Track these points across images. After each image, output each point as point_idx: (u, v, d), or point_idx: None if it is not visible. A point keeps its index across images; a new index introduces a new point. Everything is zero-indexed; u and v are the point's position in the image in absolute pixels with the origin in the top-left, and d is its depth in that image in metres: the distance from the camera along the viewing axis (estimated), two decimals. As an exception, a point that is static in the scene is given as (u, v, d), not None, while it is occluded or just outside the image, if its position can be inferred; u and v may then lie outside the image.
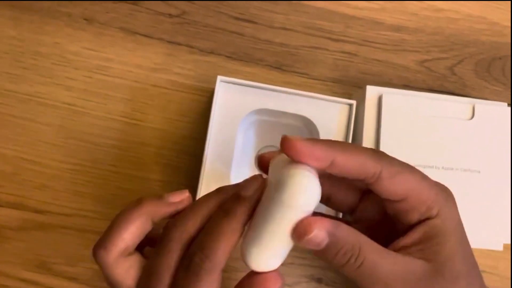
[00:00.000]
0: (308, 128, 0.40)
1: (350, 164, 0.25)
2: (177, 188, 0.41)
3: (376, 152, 0.26)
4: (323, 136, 0.39)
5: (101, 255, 0.27)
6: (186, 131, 0.42)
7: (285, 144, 0.24)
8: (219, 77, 0.38)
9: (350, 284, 0.41)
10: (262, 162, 0.27)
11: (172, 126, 0.42)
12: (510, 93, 0.46)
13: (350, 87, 0.44)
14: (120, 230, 0.27)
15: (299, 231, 0.24)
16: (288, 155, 0.24)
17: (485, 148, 0.39)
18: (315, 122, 0.39)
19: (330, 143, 0.25)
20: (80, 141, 0.41)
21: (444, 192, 0.27)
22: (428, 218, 0.26)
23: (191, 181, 0.41)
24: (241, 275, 0.40)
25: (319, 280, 0.41)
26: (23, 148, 0.41)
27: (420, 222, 0.26)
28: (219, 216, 0.26)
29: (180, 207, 0.28)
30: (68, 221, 0.40)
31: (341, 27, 0.45)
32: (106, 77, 0.42)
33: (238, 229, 0.25)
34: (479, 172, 0.39)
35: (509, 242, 0.39)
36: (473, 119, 0.39)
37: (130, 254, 0.28)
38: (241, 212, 0.25)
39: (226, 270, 0.41)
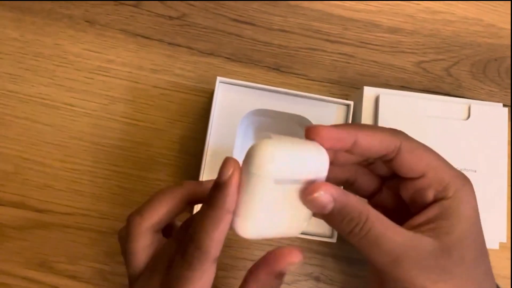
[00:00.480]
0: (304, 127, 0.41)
1: (371, 142, 0.27)
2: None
3: (393, 130, 0.28)
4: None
5: (136, 221, 0.28)
6: (186, 131, 0.43)
7: (310, 132, 0.26)
8: (219, 78, 0.38)
9: (347, 282, 0.42)
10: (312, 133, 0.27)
11: (172, 126, 0.43)
12: (505, 94, 0.46)
13: (348, 88, 0.45)
14: (159, 203, 0.28)
15: (306, 192, 0.25)
16: (317, 141, 0.26)
17: (481, 148, 0.40)
18: (313, 122, 0.40)
19: (351, 125, 0.27)
20: (81, 141, 0.42)
21: (463, 177, 0.28)
22: (443, 198, 0.27)
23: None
24: (241, 273, 0.41)
25: (317, 278, 0.42)
26: (24, 148, 0.41)
27: (435, 201, 0.27)
28: (203, 207, 0.26)
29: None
30: (69, 220, 0.41)
31: (339, 29, 0.46)
32: (107, 78, 0.43)
33: (222, 216, 0.25)
34: (475, 171, 0.40)
35: (505, 241, 0.40)
36: (469, 119, 0.40)
37: (156, 232, 0.29)
38: (221, 199, 0.25)
39: (225, 268, 0.41)
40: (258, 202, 0.25)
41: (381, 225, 0.26)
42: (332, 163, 0.27)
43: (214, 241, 0.25)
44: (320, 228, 0.39)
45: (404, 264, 0.25)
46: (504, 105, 0.42)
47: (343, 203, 0.25)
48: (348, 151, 0.27)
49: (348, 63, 0.45)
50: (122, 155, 0.42)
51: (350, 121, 0.39)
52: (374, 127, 0.28)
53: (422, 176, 0.27)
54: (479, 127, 0.40)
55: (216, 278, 0.29)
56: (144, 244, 0.28)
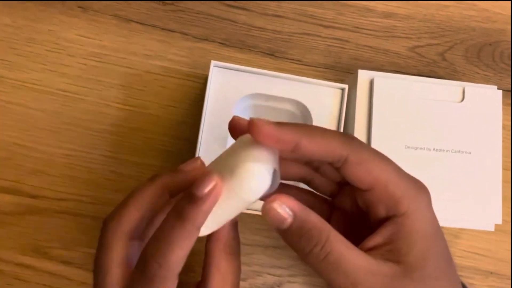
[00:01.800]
0: (302, 112, 0.41)
1: (315, 147, 0.25)
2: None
3: (346, 137, 0.26)
4: (316, 120, 0.39)
5: (112, 226, 0.26)
6: (180, 117, 0.42)
7: (251, 127, 0.24)
8: (213, 62, 0.38)
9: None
10: (234, 127, 0.27)
11: (166, 112, 0.42)
12: (499, 78, 0.46)
13: (342, 73, 0.45)
14: (135, 203, 0.27)
15: (264, 204, 0.24)
16: (254, 137, 0.24)
17: (475, 130, 0.40)
18: (308, 106, 0.40)
19: (297, 126, 0.25)
20: (74, 126, 0.41)
21: (417, 187, 0.26)
22: (395, 215, 0.25)
23: (185, 166, 0.41)
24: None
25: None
26: (17, 134, 0.41)
27: (388, 218, 0.26)
28: (171, 219, 0.24)
29: (193, 175, 0.28)
30: (63, 205, 0.40)
31: (333, 14, 0.45)
32: (100, 63, 0.43)
33: (193, 233, 0.24)
34: (470, 153, 0.40)
35: (500, 223, 0.40)
36: (463, 101, 0.40)
37: (135, 238, 0.27)
38: (194, 215, 0.23)
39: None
40: (228, 216, 0.25)
41: (342, 247, 0.24)
42: (283, 158, 0.26)
43: (179, 258, 0.24)
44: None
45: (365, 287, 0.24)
46: (498, 88, 0.42)
47: (302, 218, 0.24)
48: (291, 152, 0.25)
49: (343, 48, 0.45)
50: (116, 141, 0.42)
51: (344, 105, 0.39)
52: (323, 131, 0.25)
53: (371, 190, 0.26)
54: (473, 109, 0.40)
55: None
56: (120, 256, 0.26)
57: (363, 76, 0.40)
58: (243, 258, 0.40)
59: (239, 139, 0.27)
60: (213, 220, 0.25)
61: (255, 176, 0.23)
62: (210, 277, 0.27)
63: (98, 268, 0.27)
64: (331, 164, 0.26)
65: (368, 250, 0.26)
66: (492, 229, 0.40)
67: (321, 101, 0.40)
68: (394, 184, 0.25)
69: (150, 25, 0.44)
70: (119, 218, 0.27)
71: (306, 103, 0.40)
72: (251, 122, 0.24)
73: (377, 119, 0.39)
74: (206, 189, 0.23)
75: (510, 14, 0.47)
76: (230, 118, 0.38)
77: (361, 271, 0.24)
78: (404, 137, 0.39)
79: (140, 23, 0.44)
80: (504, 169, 0.43)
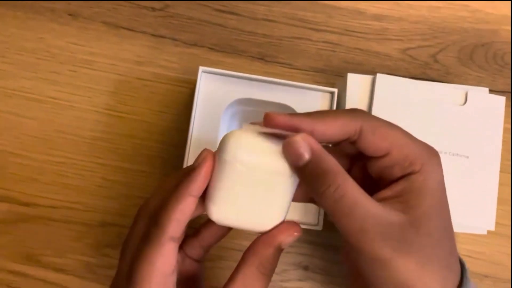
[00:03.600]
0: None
1: (330, 130, 0.27)
2: (162, 179, 0.41)
3: (354, 111, 0.28)
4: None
5: (155, 236, 0.26)
6: (171, 123, 0.42)
7: (266, 120, 0.27)
8: (201, 68, 0.38)
9: (336, 271, 0.42)
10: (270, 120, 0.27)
11: (157, 118, 0.42)
12: (492, 79, 0.46)
13: (333, 76, 0.45)
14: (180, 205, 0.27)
15: (286, 140, 0.25)
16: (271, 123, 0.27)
17: (475, 134, 0.40)
18: (297, 110, 0.40)
19: (309, 115, 0.27)
20: (65, 134, 0.42)
21: (429, 150, 0.28)
22: (410, 173, 0.27)
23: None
24: (226, 263, 0.41)
25: (305, 268, 0.42)
26: (8, 142, 0.41)
27: (402, 177, 0.27)
28: (169, 185, 0.27)
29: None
30: (54, 213, 0.40)
31: (323, 17, 0.45)
32: (91, 70, 0.43)
33: (182, 198, 0.26)
34: (468, 157, 0.39)
35: (493, 229, 0.39)
36: (465, 105, 0.40)
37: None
38: (185, 183, 0.26)
39: (212, 259, 0.41)
40: (228, 188, 0.26)
41: (356, 191, 0.25)
42: None
43: (172, 219, 0.26)
44: (305, 217, 0.39)
45: (370, 234, 0.25)
46: (491, 90, 0.41)
47: (320, 157, 0.25)
48: None
49: (334, 51, 0.45)
50: (106, 148, 0.42)
51: (334, 109, 0.39)
52: (333, 113, 0.28)
53: (387, 155, 0.27)
54: (475, 113, 0.40)
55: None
56: (167, 272, 0.26)
57: (353, 79, 0.40)
58: (234, 264, 0.40)
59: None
60: (222, 195, 0.26)
61: (233, 135, 0.25)
62: (233, 282, 0.27)
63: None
64: (346, 140, 0.27)
65: (380, 201, 0.27)
66: (485, 232, 0.39)
67: (311, 105, 0.40)
68: (408, 147, 0.27)
69: (140, 32, 0.44)
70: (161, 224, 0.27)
71: (295, 107, 0.40)
72: (267, 114, 0.26)
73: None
74: (197, 162, 0.26)
75: (503, 14, 0.47)
76: (219, 124, 0.39)
77: (371, 217, 0.25)
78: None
79: (130, 30, 0.44)
80: (503, 172, 0.42)
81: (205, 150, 0.27)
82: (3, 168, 0.41)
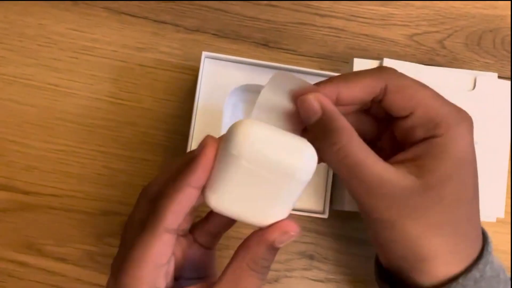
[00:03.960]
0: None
1: (355, 92, 0.26)
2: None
3: (380, 70, 0.27)
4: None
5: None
6: (174, 110, 0.42)
7: (301, 106, 0.26)
8: (204, 53, 0.38)
9: (341, 261, 0.41)
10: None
11: (159, 105, 0.42)
12: (501, 65, 0.45)
13: (338, 62, 0.44)
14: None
15: (301, 97, 0.26)
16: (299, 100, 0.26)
17: (484, 120, 0.39)
18: (302, 96, 0.39)
19: (333, 80, 0.27)
20: (66, 121, 0.41)
21: (460, 115, 0.27)
22: (433, 136, 0.26)
23: (179, 160, 0.41)
24: (232, 253, 0.40)
25: (311, 257, 0.41)
26: (9, 130, 0.40)
27: (425, 139, 0.26)
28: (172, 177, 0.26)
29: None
30: (56, 201, 0.40)
31: (329, 3, 0.44)
32: (92, 57, 0.42)
33: (181, 188, 0.25)
34: (477, 143, 0.39)
35: (503, 216, 0.39)
36: (474, 90, 0.39)
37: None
38: (185, 173, 0.25)
39: (217, 248, 0.40)
40: (230, 180, 0.24)
41: (361, 152, 0.25)
42: None
43: (169, 211, 0.25)
44: (311, 205, 0.38)
45: (377, 196, 0.25)
46: (499, 76, 0.41)
47: (329, 116, 0.25)
48: (336, 104, 0.26)
49: (339, 37, 0.44)
50: (108, 135, 0.41)
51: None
52: (357, 74, 0.27)
53: (411, 114, 0.26)
54: (483, 99, 0.39)
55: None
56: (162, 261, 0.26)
57: (359, 65, 0.39)
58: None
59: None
60: (223, 185, 0.25)
61: (241, 127, 0.24)
62: (223, 277, 0.26)
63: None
64: (373, 100, 0.27)
65: (395, 164, 0.26)
66: (494, 220, 0.39)
67: (316, 91, 0.39)
68: (435, 108, 0.26)
69: (141, 17, 0.43)
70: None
71: (300, 93, 0.39)
72: (301, 100, 0.26)
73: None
74: (200, 147, 0.25)
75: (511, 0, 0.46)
76: (222, 110, 0.38)
77: (377, 179, 0.25)
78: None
79: (132, 16, 0.43)
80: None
81: (207, 137, 0.26)
82: (3, 156, 0.40)
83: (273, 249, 0.26)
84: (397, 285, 0.29)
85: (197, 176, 0.25)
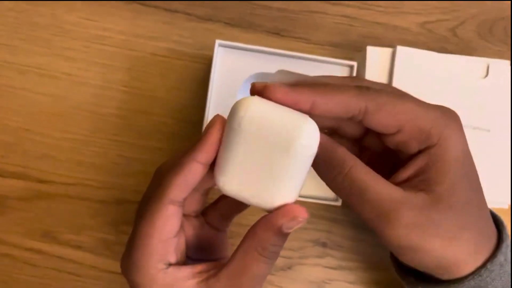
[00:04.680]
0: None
1: (331, 105, 0.25)
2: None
3: (359, 89, 0.25)
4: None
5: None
6: (186, 99, 0.42)
7: (265, 91, 0.25)
8: (218, 41, 0.38)
9: (354, 248, 0.41)
10: (253, 92, 0.26)
11: (172, 94, 0.42)
12: (513, 53, 0.45)
13: (351, 51, 0.44)
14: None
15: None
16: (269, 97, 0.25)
17: (496, 108, 0.39)
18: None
19: (311, 86, 0.25)
20: (80, 110, 0.41)
21: (446, 115, 0.26)
22: (428, 147, 0.25)
23: (193, 148, 0.41)
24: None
25: (324, 244, 0.41)
26: (24, 119, 0.41)
27: (420, 151, 0.26)
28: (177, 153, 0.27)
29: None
30: (70, 190, 0.40)
31: (340, -9, 0.44)
32: (105, 46, 0.42)
33: (187, 163, 0.25)
34: (489, 131, 0.39)
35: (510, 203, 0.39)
36: (487, 78, 0.39)
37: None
38: (192, 148, 0.25)
39: (230, 236, 0.41)
40: (236, 158, 0.24)
41: (366, 177, 0.25)
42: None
43: (173, 183, 0.25)
44: (324, 192, 0.38)
45: (391, 221, 0.24)
46: (512, 63, 0.41)
47: (327, 148, 0.25)
48: (310, 113, 0.25)
49: (351, 25, 0.44)
50: (121, 124, 0.41)
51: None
52: (337, 88, 0.25)
53: (399, 131, 0.25)
54: (496, 86, 0.39)
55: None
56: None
57: (372, 52, 0.39)
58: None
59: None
60: (230, 165, 0.25)
61: (242, 102, 0.24)
62: (231, 262, 0.26)
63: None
64: (352, 119, 0.26)
65: (400, 183, 0.26)
66: (506, 206, 0.39)
67: (329, 79, 0.39)
68: (421, 118, 0.25)
69: (153, 6, 0.43)
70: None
71: (314, 82, 0.39)
72: (266, 86, 0.25)
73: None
74: (208, 125, 0.25)
75: (523, -14, 0.46)
76: (236, 98, 0.38)
77: (386, 201, 0.24)
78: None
79: (143, 5, 0.43)
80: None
81: (216, 115, 0.26)
82: (18, 145, 0.40)
83: (282, 234, 0.25)
84: (422, 277, 0.29)
85: (202, 150, 0.25)
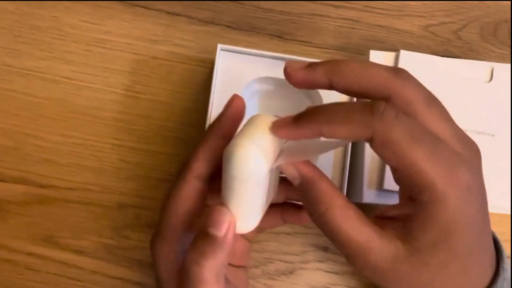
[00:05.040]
0: (311, 95, 0.40)
1: (337, 134, 0.24)
2: (181, 160, 0.41)
3: (366, 115, 0.23)
4: (326, 102, 0.38)
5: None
6: (188, 103, 0.42)
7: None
8: (220, 46, 0.37)
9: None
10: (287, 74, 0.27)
11: (174, 98, 0.42)
12: (517, 56, 0.45)
13: (353, 54, 0.44)
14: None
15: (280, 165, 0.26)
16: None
17: (501, 112, 0.38)
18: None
19: (315, 117, 0.24)
20: (81, 114, 0.41)
21: (451, 173, 0.23)
22: (419, 200, 0.24)
23: (194, 153, 0.41)
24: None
25: (325, 249, 0.41)
26: (24, 123, 0.40)
27: (412, 199, 0.24)
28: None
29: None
30: (72, 195, 0.40)
31: (343, -7, 0.44)
32: (106, 50, 0.42)
33: (209, 137, 0.28)
34: (493, 135, 0.38)
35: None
36: (491, 81, 0.39)
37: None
38: (213, 123, 0.28)
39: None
40: (245, 202, 0.25)
41: (340, 219, 0.24)
42: None
43: (197, 158, 0.28)
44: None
45: (362, 263, 0.24)
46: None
47: (309, 184, 0.25)
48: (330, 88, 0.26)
49: (353, 28, 0.44)
50: (123, 128, 0.41)
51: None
52: (343, 115, 0.23)
53: (396, 171, 0.24)
54: (501, 90, 0.39)
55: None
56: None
57: (376, 57, 0.39)
58: (255, 245, 0.40)
59: (256, 116, 0.27)
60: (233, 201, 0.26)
61: (239, 153, 0.24)
62: None
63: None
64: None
65: (387, 219, 0.25)
66: (509, 212, 0.39)
67: (332, 83, 0.39)
68: (422, 172, 0.23)
69: (155, 9, 0.42)
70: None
71: (316, 86, 0.39)
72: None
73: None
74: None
75: (527, -11, 0.45)
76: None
77: (359, 248, 0.24)
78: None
79: (145, 7, 0.42)
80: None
81: (234, 95, 0.28)
82: (18, 149, 0.40)
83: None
84: None
85: (221, 125, 0.27)
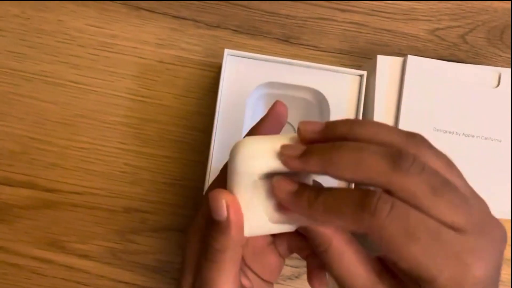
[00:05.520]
0: (318, 100, 0.40)
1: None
2: (186, 164, 0.41)
3: (364, 210, 0.21)
4: (333, 107, 0.38)
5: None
6: (194, 107, 0.42)
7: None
8: (226, 51, 0.37)
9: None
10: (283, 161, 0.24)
11: (180, 102, 0.42)
12: (524, 60, 0.45)
13: (360, 58, 0.43)
14: None
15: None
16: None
17: (508, 118, 0.38)
18: (325, 94, 0.39)
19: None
20: (87, 118, 0.41)
21: (453, 269, 0.21)
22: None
23: (201, 157, 0.41)
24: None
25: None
26: (31, 127, 0.40)
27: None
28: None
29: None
30: (78, 199, 0.40)
31: (349, -3, 0.44)
32: (112, 54, 0.42)
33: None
34: (500, 141, 0.38)
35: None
36: (499, 87, 0.38)
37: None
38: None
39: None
40: (248, 200, 0.25)
41: (342, 259, 0.24)
42: None
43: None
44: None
45: None
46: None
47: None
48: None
49: (360, 32, 0.44)
50: (129, 132, 0.41)
51: (363, 92, 0.38)
52: (336, 211, 0.22)
53: (396, 263, 0.23)
54: (508, 96, 0.38)
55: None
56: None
57: (382, 62, 0.39)
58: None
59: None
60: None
61: (240, 144, 0.24)
62: None
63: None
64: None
65: (387, 269, 0.25)
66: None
67: (339, 88, 0.39)
68: (420, 267, 0.21)
69: (161, 13, 0.42)
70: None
71: (322, 90, 0.39)
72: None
73: (407, 99, 0.38)
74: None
75: (534, -7, 0.45)
76: (244, 107, 0.38)
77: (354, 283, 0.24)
78: (434, 119, 0.38)
79: (151, 11, 0.42)
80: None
81: (276, 100, 0.28)
82: (24, 154, 0.40)
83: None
84: None
85: (261, 127, 0.28)
